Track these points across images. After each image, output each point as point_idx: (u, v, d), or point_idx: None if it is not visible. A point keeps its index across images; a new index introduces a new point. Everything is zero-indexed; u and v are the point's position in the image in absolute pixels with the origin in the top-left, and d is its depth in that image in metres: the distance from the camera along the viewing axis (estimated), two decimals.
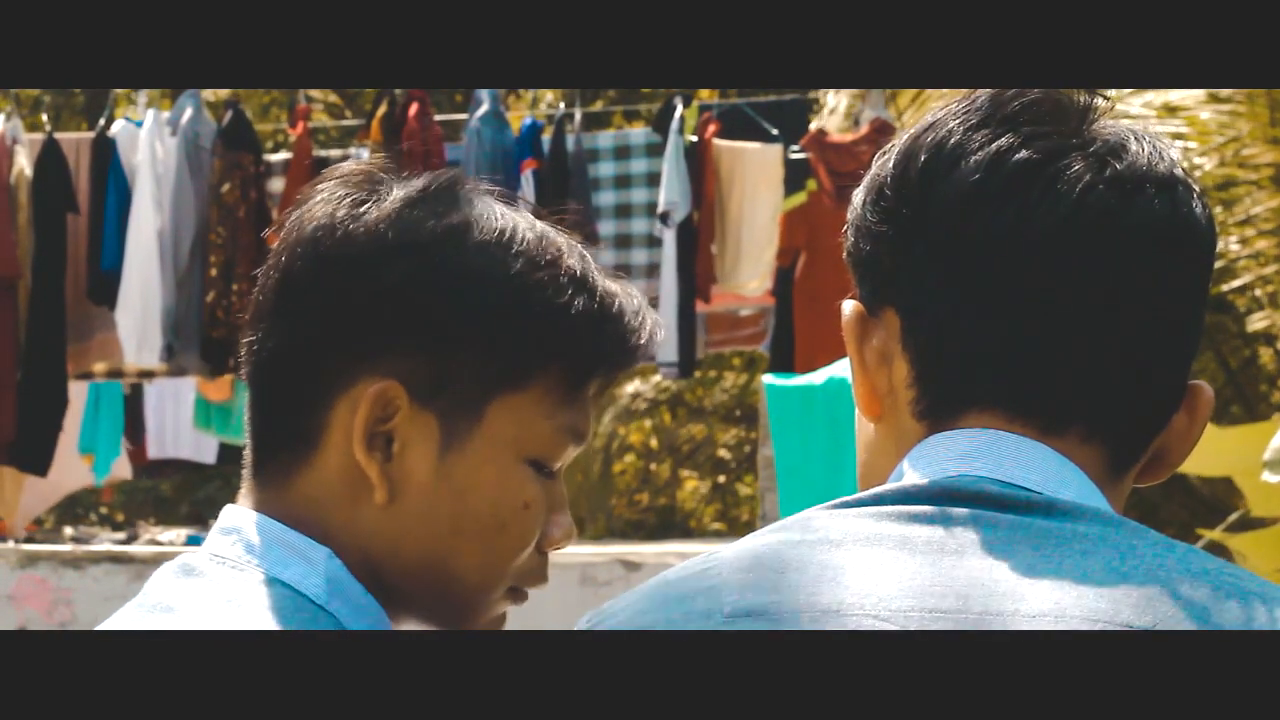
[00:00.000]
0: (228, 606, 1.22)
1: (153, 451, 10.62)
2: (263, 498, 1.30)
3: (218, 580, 1.25)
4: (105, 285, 7.98)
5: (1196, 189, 1.18)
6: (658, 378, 10.31)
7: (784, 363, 7.58)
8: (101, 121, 8.36)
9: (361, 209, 1.28)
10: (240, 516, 1.29)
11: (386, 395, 1.26)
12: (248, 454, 1.33)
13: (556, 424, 1.30)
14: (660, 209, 7.82)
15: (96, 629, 1.24)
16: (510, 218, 1.30)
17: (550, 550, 1.33)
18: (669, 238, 7.84)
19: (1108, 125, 1.18)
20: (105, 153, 8.06)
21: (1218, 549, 6.06)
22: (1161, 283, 1.15)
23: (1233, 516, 6.96)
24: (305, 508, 1.28)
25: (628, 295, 1.32)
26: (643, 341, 1.32)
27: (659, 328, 1.34)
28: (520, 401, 1.28)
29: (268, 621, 1.21)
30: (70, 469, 10.08)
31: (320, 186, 1.31)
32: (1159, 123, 7.73)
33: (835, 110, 9.65)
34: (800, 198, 7.83)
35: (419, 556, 1.28)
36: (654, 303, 7.76)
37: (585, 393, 1.31)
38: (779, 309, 8.02)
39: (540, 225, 1.31)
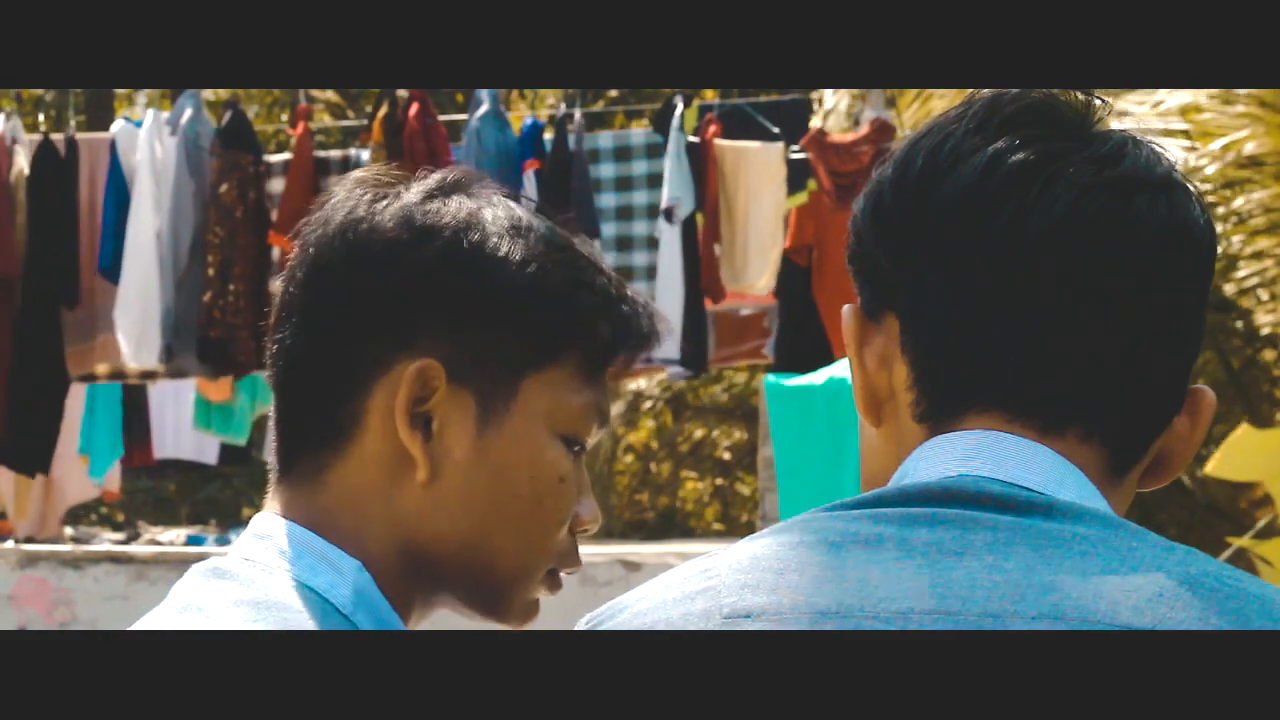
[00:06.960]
0: (258, 609, 1.24)
1: (155, 452, 10.63)
2: (292, 500, 1.32)
3: (249, 582, 1.27)
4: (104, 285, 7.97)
5: (1195, 192, 1.18)
6: (662, 375, 10.27)
7: (788, 363, 7.57)
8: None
9: (383, 203, 1.33)
10: (271, 523, 1.31)
11: (426, 374, 1.29)
12: (273, 457, 1.34)
13: (585, 400, 1.34)
14: (664, 205, 7.79)
15: (132, 628, 1.25)
16: (520, 210, 1.35)
17: (580, 532, 1.37)
18: (672, 234, 7.81)
19: (1106, 129, 1.18)
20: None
21: (1244, 556, 6.08)
22: (1159, 283, 1.15)
23: (1262, 522, 6.98)
24: (339, 502, 1.31)
25: (632, 288, 1.39)
26: (654, 325, 1.38)
27: (663, 316, 1.40)
28: (552, 377, 1.33)
29: (296, 625, 1.22)
30: (80, 478, 10.10)
31: (336, 189, 1.36)
32: (1160, 120, 7.72)
33: (835, 110, 9.64)
34: (802, 197, 7.82)
35: (461, 536, 1.31)
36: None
37: (606, 372, 1.36)
38: (783, 309, 8.00)
39: (547, 220, 1.36)
